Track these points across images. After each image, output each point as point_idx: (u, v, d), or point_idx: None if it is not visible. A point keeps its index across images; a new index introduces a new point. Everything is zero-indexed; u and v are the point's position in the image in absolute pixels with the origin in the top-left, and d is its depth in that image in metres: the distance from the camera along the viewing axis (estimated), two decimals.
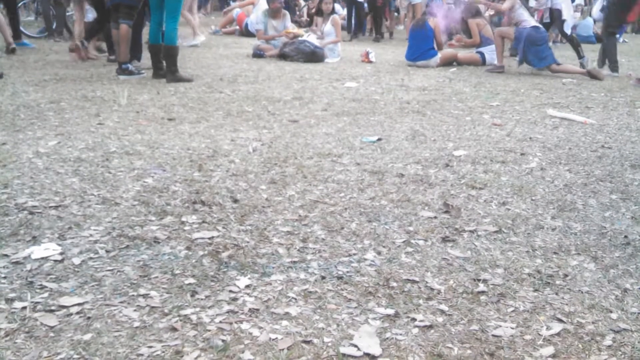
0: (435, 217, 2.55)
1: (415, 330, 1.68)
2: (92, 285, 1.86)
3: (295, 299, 1.83)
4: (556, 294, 1.93)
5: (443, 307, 1.81)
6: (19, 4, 9.98)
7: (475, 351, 1.60)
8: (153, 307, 1.75)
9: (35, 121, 4.02)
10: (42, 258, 2.03)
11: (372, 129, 4.19)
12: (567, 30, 8.92)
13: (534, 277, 2.03)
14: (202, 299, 1.80)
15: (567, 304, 1.86)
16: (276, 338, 1.61)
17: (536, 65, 7.37)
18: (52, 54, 7.65)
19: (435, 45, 8.07)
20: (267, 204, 2.63)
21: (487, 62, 8.16)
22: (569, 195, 2.90)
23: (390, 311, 1.78)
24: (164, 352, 1.54)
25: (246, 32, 11.44)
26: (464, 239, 2.34)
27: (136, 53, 6.64)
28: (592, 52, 9.26)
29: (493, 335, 1.67)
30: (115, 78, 5.96)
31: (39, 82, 5.53)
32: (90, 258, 2.05)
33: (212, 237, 2.26)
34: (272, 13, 8.68)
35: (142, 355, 1.52)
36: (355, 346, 1.59)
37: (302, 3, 15.55)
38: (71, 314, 1.69)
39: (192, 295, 1.82)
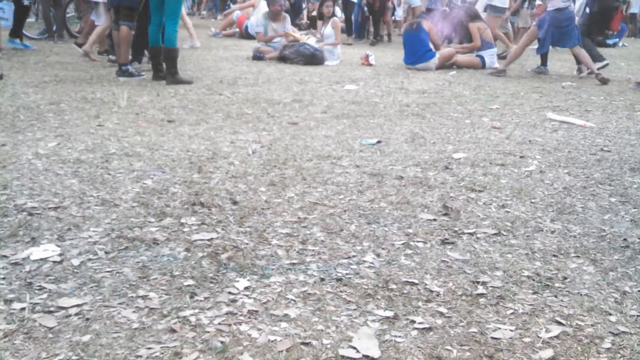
0: (435, 220, 2.55)
1: (414, 333, 1.68)
2: (91, 287, 1.86)
3: (295, 300, 1.83)
4: (555, 296, 1.93)
5: (442, 309, 1.81)
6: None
7: (474, 353, 1.60)
8: (152, 308, 1.75)
9: (35, 122, 4.02)
10: (41, 259, 2.03)
11: (372, 131, 4.20)
12: None
13: (533, 280, 2.03)
14: (201, 301, 1.80)
15: (566, 307, 1.86)
16: (275, 340, 1.61)
17: (563, 46, 7.40)
18: (52, 56, 7.65)
19: (432, 47, 8.08)
20: (267, 206, 2.63)
21: (486, 66, 8.17)
22: (568, 198, 2.90)
23: (390, 313, 1.77)
24: (162, 353, 1.54)
25: (246, 35, 11.46)
26: (463, 241, 2.34)
27: (139, 55, 6.65)
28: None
29: (492, 338, 1.67)
30: (115, 80, 5.96)
31: (39, 84, 5.53)
32: (90, 259, 2.05)
33: (212, 238, 2.26)
34: (273, 16, 8.70)
35: (141, 356, 1.52)
36: (354, 348, 1.59)
37: (303, 6, 15.56)
38: (70, 315, 1.69)
39: (191, 297, 1.82)
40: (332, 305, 1.81)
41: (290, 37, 8.55)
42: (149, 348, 1.55)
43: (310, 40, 8.63)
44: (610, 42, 13.03)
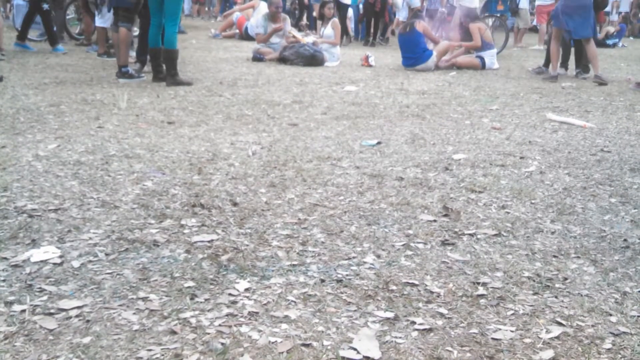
0: (435, 221, 2.55)
1: (415, 334, 1.68)
2: (92, 289, 1.86)
3: (295, 302, 1.83)
4: (556, 297, 1.92)
5: (442, 310, 1.81)
6: None
7: (474, 354, 1.60)
8: (152, 310, 1.75)
9: (35, 124, 4.02)
10: (42, 261, 2.03)
11: (372, 132, 4.20)
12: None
13: (534, 281, 2.03)
14: (201, 302, 1.80)
15: (566, 307, 1.86)
16: (276, 341, 1.61)
17: (577, 36, 7.08)
18: (52, 57, 7.66)
19: (429, 45, 8.08)
20: (267, 207, 2.63)
21: (486, 67, 8.18)
22: (568, 199, 2.90)
23: (390, 314, 1.77)
24: (163, 355, 1.54)
25: (246, 36, 11.47)
26: (464, 242, 2.34)
27: (142, 57, 6.65)
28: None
29: (492, 339, 1.67)
30: (115, 81, 5.96)
31: (39, 85, 5.54)
32: (90, 261, 2.05)
33: (212, 240, 2.26)
34: (272, 17, 8.71)
35: (141, 358, 1.52)
36: (355, 349, 1.59)
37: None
38: (70, 317, 1.69)
39: (191, 299, 1.82)
40: (333, 306, 1.81)
41: (291, 38, 8.55)
42: (150, 350, 1.55)
43: (309, 38, 8.64)
44: (609, 42, 13.05)
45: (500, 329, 1.72)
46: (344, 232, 2.40)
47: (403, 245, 2.29)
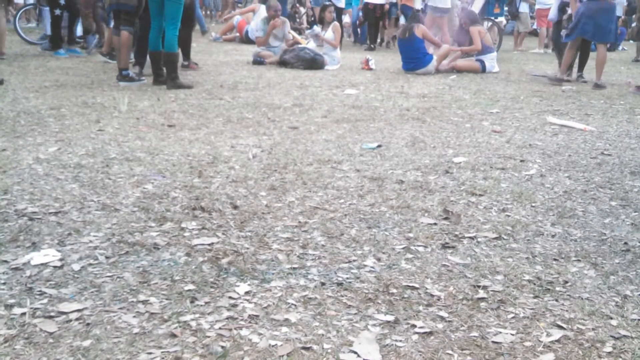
0: (435, 224, 2.55)
1: (415, 337, 1.68)
2: (92, 292, 1.86)
3: (295, 305, 1.83)
4: (556, 300, 1.92)
5: (443, 313, 1.81)
6: (21, 11, 10.03)
7: (475, 358, 1.60)
8: (152, 313, 1.74)
9: (36, 127, 4.03)
10: (42, 264, 2.03)
11: (372, 135, 4.20)
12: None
13: (534, 284, 2.03)
14: (201, 305, 1.80)
15: (567, 311, 1.86)
16: (276, 344, 1.61)
17: (598, 40, 6.94)
18: (53, 61, 7.67)
19: (429, 49, 8.08)
20: (267, 211, 2.63)
21: (486, 70, 8.18)
22: (568, 202, 2.90)
23: (390, 318, 1.77)
24: (163, 358, 1.54)
25: (246, 39, 11.48)
26: (464, 245, 2.34)
27: (141, 59, 6.66)
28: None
29: (493, 342, 1.67)
30: (115, 84, 5.97)
31: (40, 89, 5.54)
32: (90, 264, 2.05)
33: (212, 243, 2.26)
34: (271, 20, 8.73)
35: None
36: (355, 353, 1.59)
37: (302, 10, 15.60)
38: (70, 320, 1.69)
39: (191, 302, 1.82)
40: (333, 309, 1.81)
41: (290, 40, 8.57)
42: (150, 353, 1.55)
43: (310, 44, 8.65)
44: (618, 45, 13.06)
45: (500, 332, 1.72)
46: (344, 235, 2.40)
47: (403, 248, 2.29)
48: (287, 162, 3.40)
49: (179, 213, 2.56)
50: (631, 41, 16.51)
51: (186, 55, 7.46)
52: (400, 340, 1.66)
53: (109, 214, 2.52)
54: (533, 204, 2.84)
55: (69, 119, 4.35)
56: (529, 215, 2.70)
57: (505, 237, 2.43)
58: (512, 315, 1.82)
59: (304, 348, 1.60)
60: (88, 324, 1.67)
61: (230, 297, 1.85)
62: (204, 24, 12.23)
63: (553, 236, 2.46)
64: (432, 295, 1.92)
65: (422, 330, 1.71)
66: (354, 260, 2.16)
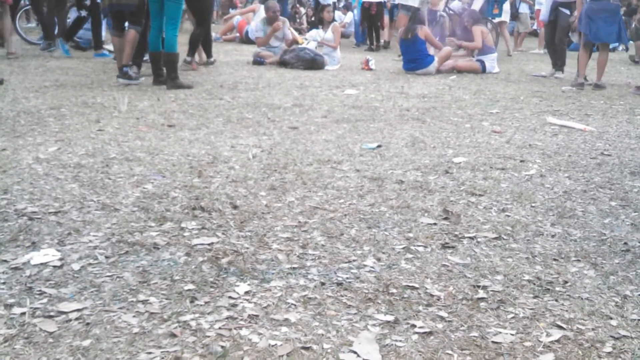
0: (435, 224, 2.55)
1: (415, 337, 1.68)
2: (92, 291, 1.86)
3: (295, 305, 1.83)
4: (556, 300, 1.92)
5: (443, 313, 1.81)
6: (21, 11, 10.02)
7: (475, 358, 1.60)
8: (152, 313, 1.74)
9: (36, 127, 4.03)
10: (42, 264, 2.02)
11: (372, 135, 4.20)
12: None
13: (534, 284, 2.03)
14: (201, 305, 1.80)
15: (567, 311, 1.86)
16: (275, 344, 1.61)
17: (598, 40, 6.88)
18: (53, 61, 7.66)
19: (431, 50, 8.08)
20: (267, 210, 2.63)
21: (486, 70, 8.18)
22: (568, 202, 2.90)
23: (390, 317, 1.77)
24: (163, 358, 1.54)
25: (246, 40, 11.47)
26: (464, 245, 2.34)
27: (138, 59, 6.65)
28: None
29: (493, 342, 1.67)
30: (115, 84, 5.96)
31: (40, 88, 5.54)
32: (90, 264, 2.05)
33: (212, 243, 2.26)
34: (269, 21, 8.73)
35: None
36: (355, 352, 1.59)
37: (302, 11, 15.61)
38: (70, 320, 1.69)
39: (191, 301, 1.82)
40: (333, 309, 1.81)
41: (290, 41, 8.58)
42: (149, 353, 1.55)
43: (310, 44, 8.65)
44: (618, 47, 13.05)
45: (500, 333, 1.72)
46: (344, 235, 2.40)
47: (403, 248, 2.29)
48: (287, 162, 3.40)
49: (179, 213, 2.56)
50: (631, 41, 16.53)
51: (208, 53, 7.80)
52: (400, 340, 1.66)
53: (108, 213, 2.52)
54: (533, 204, 2.84)
55: (68, 118, 4.35)
56: (529, 215, 2.70)
57: (505, 237, 2.43)
58: (512, 315, 1.82)
59: (303, 348, 1.60)
60: (88, 324, 1.67)
61: (230, 297, 1.85)
62: None
63: (553, 236, 2.47)
64: (432, 295, 1.92)
65: (421, 330, 1.71)
66: (354, 260, 2.16)
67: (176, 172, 3.14)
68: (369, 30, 11.96)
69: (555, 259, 2.24)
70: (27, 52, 8.35)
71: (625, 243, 2.42)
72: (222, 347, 1.59)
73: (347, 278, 2.02)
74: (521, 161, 3.63)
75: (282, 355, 1.56)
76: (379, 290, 1.94)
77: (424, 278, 2.04)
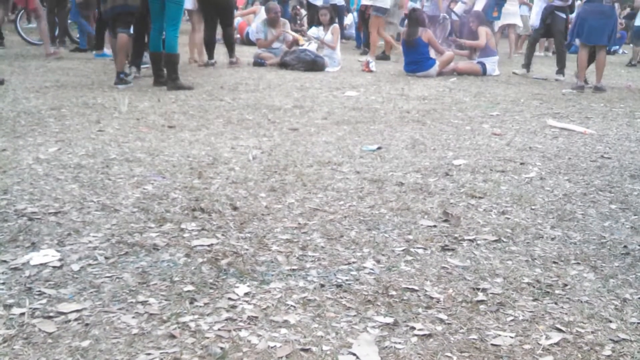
0: (435, 226, 2.55)
1: (414, 339, 1.68)
2: (91, 292, 1.86)
3: (294, 306, 1.83)
4: (555, 303, 1.92)
5: (442, 315, 1.81)
6: (21, 11, 10.02)
7: None
8: (152, 314, 1.74)
9: (36, 127, 4.03)
10: (41, 264, 2.02)
11: (372, 137, 4.20)
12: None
13: (533, 287, 2.03)
14: (200, 307, 1.80)
15: (566, 314, 1.86)
16: (275, 346, 1.61)
17: (590, 42, 6.86)
18: (54, 61, 7.67)
19: (433, 54, 8.08)
20: (267, 212, 2.63)
21: (487, 73, 8.18)
22: (568, 205, 2.90)
23: (389, 320, 1.77)
24: (162, 359, 1.54)
25: (247, 41, 11.49)
26: (464, 247, 2.34)
27: (137, 60, 6.66)
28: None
29: (492, 345, 1.67)
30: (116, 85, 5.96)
31: (40, 89, 5.54)
32: (89, 264, 2.05)
33: (212, 244, 2.26)
34: (270, 23, 8.74)
35: None
36: (354, 354, 1.59)
37: (303, 12, 15.61)
38: (69, 321, 1.69)
39: (190, 303, 1.82)
40: (332, 311, 1.81)
41: (290, 41, 8.61)
42: (149, 354, 1.55)
43: (310, 46, 8.66)
44: (610, 49, 13.06)
45: (499, 335, 1.72)
46: (343, 237, 2.40)
47: (403, 250, 2.29)
48: (287, 164, 3.40)
49: (179, 214, 2.56)
50: (631, 45, 16.56)
51: (210, 54, 7.98)
52: (400, 343, 1.66)
53: (108, 214, 2.52)
54: (533, 207, 2.84)
55: (69, 119, 4.35)
56: (529, 218, 2.70)
57: (504, 240, 2.43)
58: (512, 318, 1.82)
59: (303, 350, 1.60)
60: (87, 325, 1.67)
61: (229, 298, 1.85)
62: None
63: (553, 239, 2.46)
64: (432, 298, 1.92)
65: (421, 333, 1.71)
66: (354, 262, 2.16)
67: (176, 173, 3.14)
68: (365, 32, 11.95)
69: (555, 262, 2.24)
70: (28, 52, 8.36)
71: (625, 246, 2.42)
72: (222, 348, 1.59)
73: (347, 280, 2.02)
74: (521, 164, 3.63)
75: (282, 357, 1.56)
76: (378, 292, 1.94)
77: (423, 280, 2.04)
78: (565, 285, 2.05)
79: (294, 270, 2.08)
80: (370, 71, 8.19)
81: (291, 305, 1.83)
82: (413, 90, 6.63)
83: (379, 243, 2.34)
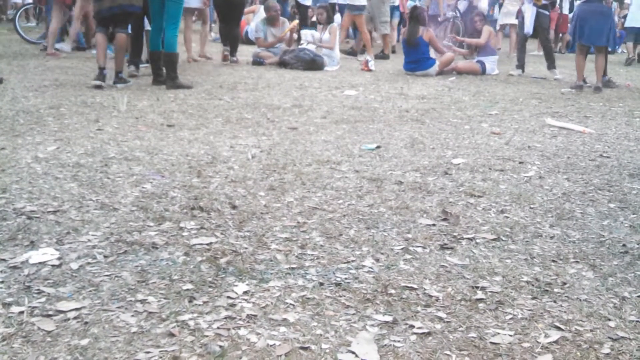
0: (434, 225, 2.55)
1: (413, 337, 1.68)
2: (90, 290, 1.86)
3: (293, 305, 1.83)
4: (554, 301, 1.92)
5: (441, 314, 1.81)
6: (20, 10, 10.02)
7: (473, 358, 1.60)
8: (151, 312, 1.74)
9: (35, 126, 4.02)
10: (40, 263, 2.02)
11: (371, 136, 4.20)
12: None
13: (532, 285, 2.03)
14: (200, 305, 1.80)
15: (565, 312, 1.86)
16: (274, 344, 1.61)
17: (590, 43, 6.87)
18: (52, 60, 7.66)
19: (432, 54, 8.09)
20: (266, 211, 2.63)
21: (486, 72, 8.19)
22: (567, 204, 2.90)
23: (389, 318, 1.77)
24: (161, 357, 1.53)
25: (246, 40, 11.47)
26: (463, 246, 2.34)
27: (135, 59, 6.65)
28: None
29: (491, 343, 1.67)
30: (114, 85, 5.96)
31: (39, 88, 5.54)
32: (88, 263, 2.05)
33: (211, 243, 2.26)
34: (270, 21, 8.74)
35: None
36: (353, 353, 1.59)
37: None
38: (68, 319, 1.69)
39: (190, 301, 1.82)
40: (331, 309, 1.81)
41: (287, 33, 8.67)
42: (148, 352, 1.55)
43: (309, 46, 8.66)
44: (612, 49, 13.07)
45: (498, 333, 1.72)
46: (343, 235, 2.40)
47: (402, 249, 2.29)
48: (286, 163, 3.40)
49: (178, 213, 2.56)
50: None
51: (234, 50, 8.25)
52: (399, 341, 1.66)
53: (107, 213, 2.52)
54: (532, 206, 2.85)
55: (68, 118, 4.34)
56: (528, 216, 2.70)
57: (503, 239, 2.43)
58: (511, 316, 1.82)
59: (302, 348, 1.60)
60: (86, 323, 1.67)
61: (228, 297, 1.85)
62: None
63: (551, 238, 2.47)
64: (431, 296, 1.92)
65: (420, 331, 1.71)
66: (353, 261, 2.16)
67: (175, 172, 3.14)
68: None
69: (553, 261, 2.24)
70: (27, 51, 8.35)
71: (624, 245, 2.42)
72: (221, 346, 1.59)
73: (346, 278, 2.02)
74: (520, 163, 3.63)
75: (281, 355, 1.56)
76: (377, 291, 1.94)
77: (422, 279, 2.04)
78: (564, 283, 2.05)
79: (293, 268, 2.08)
80: (369, 70, 8.19)
81: (290, 304, 1.83)
82: (412, 89, 6.63)
83: (378, 242, 2.34)
